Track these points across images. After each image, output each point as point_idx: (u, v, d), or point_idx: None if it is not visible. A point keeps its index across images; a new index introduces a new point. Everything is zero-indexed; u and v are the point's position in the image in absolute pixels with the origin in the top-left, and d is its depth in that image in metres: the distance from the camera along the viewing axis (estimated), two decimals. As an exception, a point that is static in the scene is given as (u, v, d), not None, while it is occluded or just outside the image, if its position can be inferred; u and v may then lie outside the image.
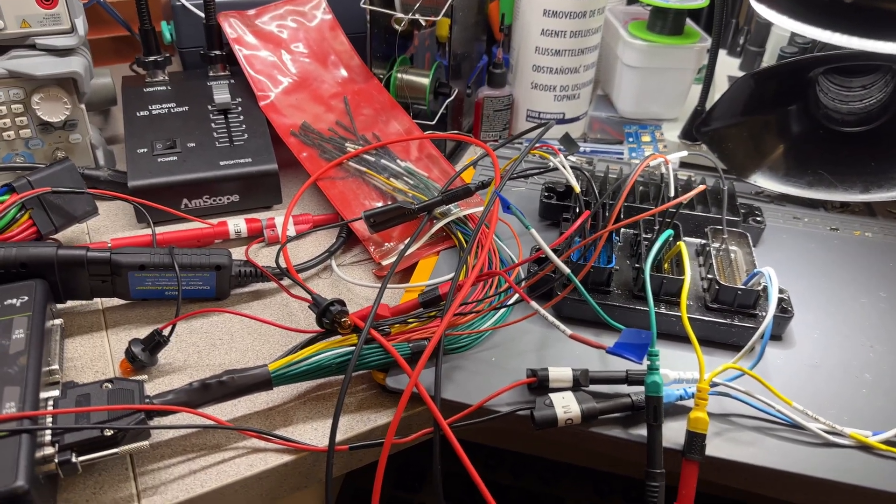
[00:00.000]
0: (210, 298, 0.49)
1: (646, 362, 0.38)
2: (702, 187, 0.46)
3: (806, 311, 0.49)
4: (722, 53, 0.84)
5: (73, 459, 0.34)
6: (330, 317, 0.43)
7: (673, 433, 0.39)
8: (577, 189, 0.47)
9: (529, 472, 0.53)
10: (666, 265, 0.47)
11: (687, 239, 0.52)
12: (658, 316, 0.44)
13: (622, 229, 0.52)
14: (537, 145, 0.49)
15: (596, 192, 0.49)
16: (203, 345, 0.46)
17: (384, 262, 0.54)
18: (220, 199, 0.58)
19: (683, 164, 0.67)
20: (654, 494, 0.37)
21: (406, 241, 0.53)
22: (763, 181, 0.61)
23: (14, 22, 0.54)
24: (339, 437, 0.40)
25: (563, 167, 0.47)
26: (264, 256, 0.55)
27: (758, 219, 0.55)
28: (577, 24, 0.65)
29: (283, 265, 0.49)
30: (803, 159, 0.62)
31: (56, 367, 0.39)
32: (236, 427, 0.39)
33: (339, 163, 0.59)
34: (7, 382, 0.35)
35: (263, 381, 0.40)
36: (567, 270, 0.41)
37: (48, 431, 0.35)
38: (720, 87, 0.74)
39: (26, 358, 0.37)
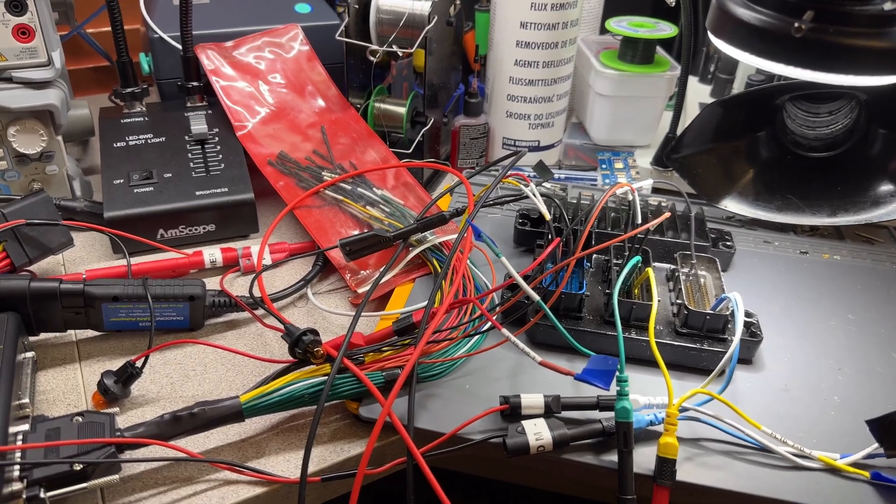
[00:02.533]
0: (184, 329, 0.49)
1: (615, 388, 0.38)
2: (666, 214, 0.47)
3: (776, 335, 0.49)
4: (693, 81, 0.86)
5: (42, 495, 0.34)
6: (303, 346, 0.43)
7: (644, 458, 0.39)
8: (548, 216, 0.48)
9: (508, 499, 0.53)
10: (636, 290, 0.47)
11: (657, 265, 0.53)
12: (628, 341, 0.44)
13: (594, 255, 0.53)
14: (510, 173, 0.50)
15: (567, 218, 0.50)
16: (176, 376, 0.46)
17: (360, 290, 0.54)
18: (196, 229, 0.58)
19: (657, 190, 0.68)
20: (626, 520, 0.37)
21: (382, 269, 0.53)
22: (733, 206, 0.63)
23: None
24: (311, 469, 0.40)
25: (534, 195, 0.48)
26: (240, 286, 0.55)
27: (727, 243, 0.56)
28: (550, 54, 0.67)
29: (258, 294, 0.50)
30: (772, 184, 0.63)
31: (26, 400, 0.39)
32: (208, 459, 0.39)
33: (315, 191, 0.60)
34: (-25, 418, 0.35)
35: (235, 413, 0.40)
36: (536, 297, 0.41)
37: (16, 467, 0.34)
38: (691, 113, 0.76)
39: (-5, 392, 0.37)
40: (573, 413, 0.41)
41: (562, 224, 0.52)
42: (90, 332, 0.49)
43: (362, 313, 0.46)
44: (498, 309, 0.45)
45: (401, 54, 0.65)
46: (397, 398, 0.39)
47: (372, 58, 0.66)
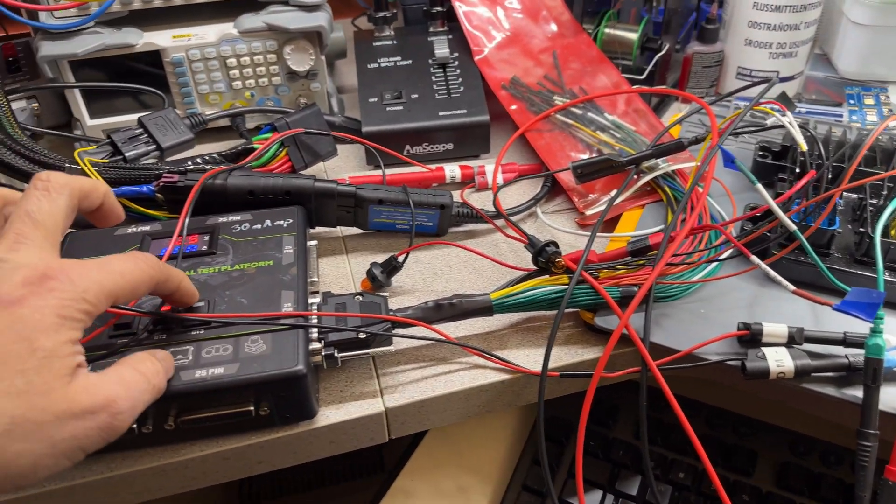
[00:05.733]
0: (431, 234, 0.55)
1: (869, 324, 0.38)
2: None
3: None
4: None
5: (336, 354, 0.41)
6: (545, 256, 0.46)
7: (889, 398, 0.39)
8: (804, 147, 0.46)
9: (724, 424, 0.54)
10: (893, 231, 0.45)
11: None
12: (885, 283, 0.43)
13: (844, 193, 0.50)
14: (762, 100, 0.49)
15: (822, 151, 0.48)
16: (427, 273, 0.52)
17: (588, 213, 0.57)
18: (437, 147, 0.63)
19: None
20: (866, 454, 0.37)
21: (612, 193, 0.55)
22: None
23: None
24: (550, 365, 0.44)
25: (791, 125, 0.46)
26: (474, 200, 0.60)
27: None
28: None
29: (496, 209, 0.54)
30: None
31: (315, 279, 0.47)
32: (462, 344, 0.45)
33: (546, 115, 0.62)
34: (283, 287, 0.43)
35: (485, 307, 0.45)
36: (793, 227, 0.41)
37: (315, 330, 0.42)
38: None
39: (296, 269, 0.44)
40: (815, 347, 0.41)
41: (812, 158, 0.50)
42: (353, 230, 0.56)
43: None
44: (742, 239, 0.45)
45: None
46: (632, 314, 0.42)
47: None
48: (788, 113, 0.47)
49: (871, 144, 0.51)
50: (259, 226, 0.48)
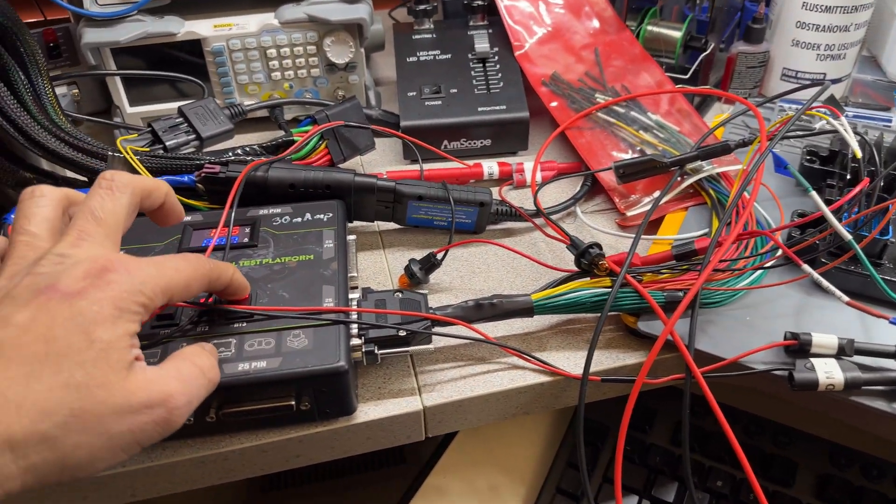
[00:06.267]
0: (469, 231, 0.54)
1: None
2: None
3: None
4: None
5: (376, 351, 0.41)
6: (588, 258, 0.46)
7: (944, 416, 0.38)
8: (859, 153, 0.45)
9: (762, 433, 0.53)
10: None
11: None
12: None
13: (895, 201, 0.49)
14: (814, 105, 0.47)
15: (877, 158, 0.47)
16: (465, 271, 0.52)
17: (629, 213, 0.56)
18: (474, 143, 0.63)
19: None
20: (919, 473, 0.36)
21: (655, 194, 0.54)
22: None
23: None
24: (590, 369, 0.43)
25: (845, 130, 0.45)
26: (512, 198, 0.59)
27: None
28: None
29: (535, 207, 0.53)
30: None
31: (355, 274, 0.46)
32: (502, 344, 0.44)
33: (587, 113, 0.61)
34: (324, 282, 0.43)
35: (526, 308, 0.44)
36: (849, 237, 0.40)
37: (355, 326, 0.41)
38: None
39: (336, 263, 0.44)
40: (865, 359, 0.40)
41: (864, 165, 0.48)
42: (391, 225, 0.55)
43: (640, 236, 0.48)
44: (793, 247, 0.44)
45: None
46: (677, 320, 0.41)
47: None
48: (842, 118, 0.46)
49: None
50: (299, 219, 0.48)
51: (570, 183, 0.61)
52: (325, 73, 0.66)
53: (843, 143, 0.49)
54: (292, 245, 0.45)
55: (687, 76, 0.66)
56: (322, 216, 0.48)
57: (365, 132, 0.58)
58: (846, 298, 0.39)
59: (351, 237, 0.50)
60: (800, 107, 0.47)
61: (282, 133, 0.55)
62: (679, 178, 0.55)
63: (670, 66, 0.68)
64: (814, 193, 0.40)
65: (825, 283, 0.40)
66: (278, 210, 0.48)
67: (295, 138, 0.53)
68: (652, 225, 0.54)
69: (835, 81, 0.68)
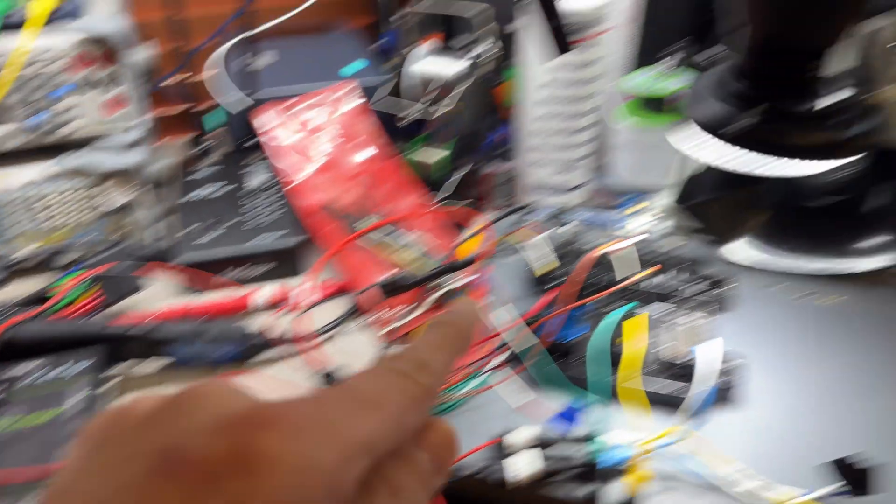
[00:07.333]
0: (238, 361, 0.58)
1: (587, 428, 0.44)
2: (656, 267, 0.52)
3: (768, 376, 0.53)
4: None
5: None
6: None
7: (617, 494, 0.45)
8: (537, 273, 0.54)
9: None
10: (619, 339, 0.52)
11: (656, 305, 0.57)
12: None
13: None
14: (520, 226, 0.56)
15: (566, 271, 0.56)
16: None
17: (388, 328, 0.62)
18: (253, 270, 0.67)
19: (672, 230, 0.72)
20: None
21: (408, 308, 0.61)
22: (741, 252, 0.66)
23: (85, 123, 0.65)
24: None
25: (532, 249, 0.54)
26: (286, 321, 0.64)
27: (728, 286, 0.60)
28: (571, 107, 0.72)
29: (299, 333, 0.58)
30: (780, 230, 0.66)
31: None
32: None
33: (354, 238, 0.68)
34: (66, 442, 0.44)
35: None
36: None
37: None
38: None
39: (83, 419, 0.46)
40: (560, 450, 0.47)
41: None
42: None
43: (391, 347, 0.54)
44: (497, 352, 0.51)
45: (431, 114, 0.73)
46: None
47: (399, 124, 0.74)
48: (539, 236, 0.55)
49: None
50: (52, 374, 0.49)
51: (344, 301, 0.66)
52: (100, 217, 0.69)
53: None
54: (39, 403, 0.47)
55: (447, 195, 0.74)
56: (76, 367, 0.50)
57: (133, 277, 0.61)
58: (514, 405, 0.47)
59: (114, 381, 0.52)
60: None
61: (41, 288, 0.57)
62: (431, 292, 0.62)
63: (438, 185, 0.77)
64: (500, 311, 0.48)
65: (502, 389, 0.47)
66: (32, 365, 0.50)
67: (53, 293, 0.55)
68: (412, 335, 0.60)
69: (572, 190, 0.79)
